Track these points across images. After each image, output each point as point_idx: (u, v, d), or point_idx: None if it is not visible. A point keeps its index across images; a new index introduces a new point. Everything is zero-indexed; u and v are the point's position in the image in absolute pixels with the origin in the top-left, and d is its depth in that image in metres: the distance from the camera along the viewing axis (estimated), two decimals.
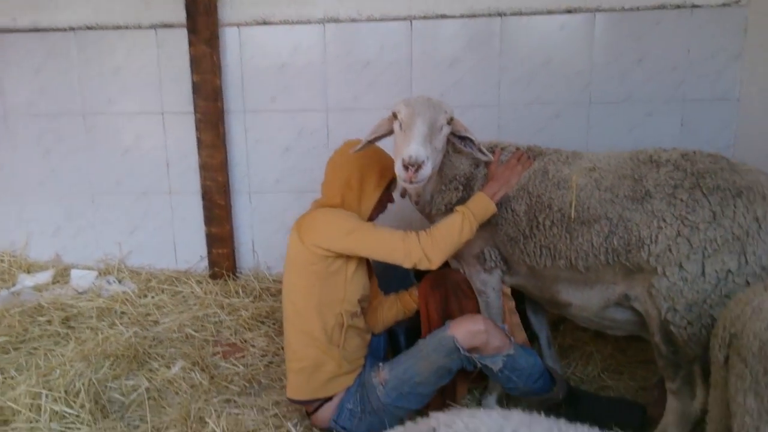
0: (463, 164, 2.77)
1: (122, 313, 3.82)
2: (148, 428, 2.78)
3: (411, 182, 2.39)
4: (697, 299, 2.20)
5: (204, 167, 4.08)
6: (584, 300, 2.57)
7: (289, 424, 2.70)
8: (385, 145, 2.71)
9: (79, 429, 2.74)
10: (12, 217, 4.46)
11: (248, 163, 4.19)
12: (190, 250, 4.36)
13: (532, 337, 3.21)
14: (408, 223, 4.04)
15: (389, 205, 2.89)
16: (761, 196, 2.19)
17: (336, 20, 3.94)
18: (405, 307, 2.95)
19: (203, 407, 2.89)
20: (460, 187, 2.75)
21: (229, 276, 4.18)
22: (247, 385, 3.14)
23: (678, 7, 3.69)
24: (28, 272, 4.33)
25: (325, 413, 2.69)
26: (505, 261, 2.75)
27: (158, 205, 4.33)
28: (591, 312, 2.59)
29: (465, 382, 2.79)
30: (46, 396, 2.86)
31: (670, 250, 2.24)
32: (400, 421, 2.18)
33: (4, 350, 3.39)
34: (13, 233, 4.49)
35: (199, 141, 4.04)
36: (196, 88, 3.97)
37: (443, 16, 3.86)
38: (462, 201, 2.69)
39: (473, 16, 3.84)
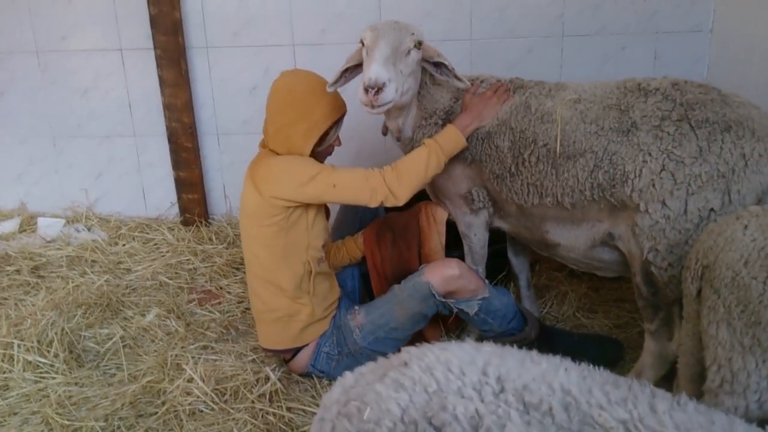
0: (443, 97, 2.69)
1: (93, 261, 3.75)
2: (125, 376, 2.79)
3: (372, 106, 2.32)
4: (679, 240, 2.19)
5: (168, 107, 3.93)
6: (571, 240, 2.55)
7: (268, 369, 2.72)
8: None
9: (54, 378, 2.74)
10: None
11: (214, 103, 4.04)
12: (160, 196, 4.25)
13: (510, 279, 3.25)
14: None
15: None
16: (750, 131, 2.14)
17: None
18: (350, 254, 2.93)
19: (180, 354, 2.89)
20: (440, 122, 2.68)
21: (201, 222, 4.11)
22: (224, 331, 3.14)
23: None
24: None
25: (302, 359, 2.71)
26: (493, 202, 2.72)
27: (123, 149, 4.19)
28: (579, 252, 2.58)
29: (438, 328, 2.82)
30: (18, 346, 2.84)
31: (653, 186, 2.20)
32: None
33: None
34: None
35: (161, 79, 3.87)
36: (154, 22, 3.76)
37: None
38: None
39: None
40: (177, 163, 4.05)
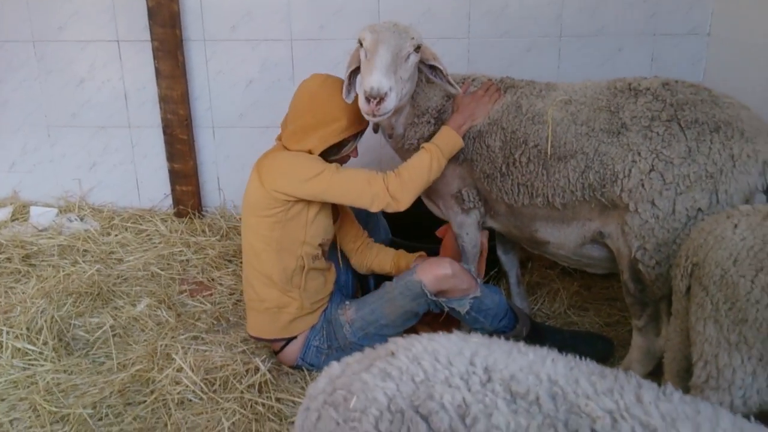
0: (435, 96, 2.68)
1: (85, 251, 3.74)
2: (114, 364, 2.78)
3: (374, 115, 2.32)
4: (667, 239, 2.21)
5: (164, 99, 3.92)
6: (561, 238, 2.56)
7: (258, 360, 2.71)
8: None
9: (42, 365, 2.74)
10: None
11: (210, 96, 4.03)
12: (154, 187, 4.24)
13: (501, 276, 3.25)
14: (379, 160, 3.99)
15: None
16: (739, 132, 2.15)
17: None
18: (397, 272, 2.85)
19: (170, 344, 2.88)
20: (432, 121, 2.68)
21: (194, 214, 4.10)
22: (215, 322, 3.14)
23: None
24: None
25: (292, 352, 2.70)
26: (484, 201, 2.72)
27: (118, 139, 4.18)
28: (568, 250, 2.59)
29: (427, 326, 2.81)
30: (7, 333, 2.83)
31: (642, 186, 2.21)
32: None
33: None
34: None
35: (158, 71, 3.86)
36: (152, 14, 3.76)
37: None
38: (434, 135, 2.63)
39: None
40: (171, 155, 4.04)
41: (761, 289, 1.58)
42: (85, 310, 3.14)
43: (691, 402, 1.03)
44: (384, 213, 3.07)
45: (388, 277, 2.74)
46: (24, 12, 3.94)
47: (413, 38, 2.41)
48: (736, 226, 1.72)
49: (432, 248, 3.03)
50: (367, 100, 2.27)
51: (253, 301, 2.69)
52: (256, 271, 2.63)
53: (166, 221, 4.07)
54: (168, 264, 3.64)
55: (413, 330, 2.74)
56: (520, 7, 3.73)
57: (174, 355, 2.75)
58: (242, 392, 2.56)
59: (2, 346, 2.79)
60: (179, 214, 4.13)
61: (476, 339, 1.23)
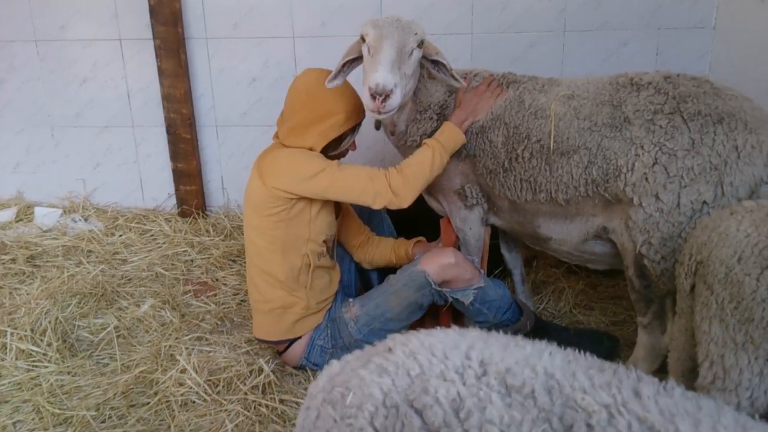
0: (438, 91, 2.66)
1: (89, 251, 3.74)
2: (118, 366, 2.78)
3: (379, 112, 2.30)
4: (672, 233, 2.18)
5: (167, 98, 3.92)
6: (564, 234, 2.54)
7: (261, 361, 2.70)
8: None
9: (46, 367, 2.73)
10: None
11: (213, 94, 4.03)
12: (157, 187, 4.24)
13: (506, 274, 3.23)
14: (382, 156, 3.97)
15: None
16: (743, 123, 2.13)
17: None
18: (398, 260, 2.89)
19: (174, 345, 2.88)
20: (435, 117, 2.66)
21: (198, 214, 4.09)
22: (219, 323, 3.13)
23: None
24: None
25: (296, 352, 2.69)
26: (486, 198, 2.70)
27: (121, 139, 4.18)
28: (571, 246, 2.57)
29: (433, 322, 2.80)
30: (11, 334, 2.83)
31: (646, 179, 2.20)
32: None
33: None
34: None
35: (160, 70, 3.86)
36: (154, 12, 3.75)
37: None
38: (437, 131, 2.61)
39: None
40: (175, 155, 4.03)
41: (767, 287, 1.55)
42: (90, 311, 3.13)
43: (693, 398, 1.01)
44: (387, 210, 3.06)
45: (392, 272, 2.72)
46: (26, 12, 3.95)
47: (416, 33, 2.39)
48: (740, 222, 1.69)
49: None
50: (373, 97, 2.25)
51: (258, 302, 2.67)
52: (261, 271, 2.62)
53: (170, 221, 4.07)
54: (172, 264, 3.63)
55: (421, 325, 2.72)
56: (524, 1, 3.71)
57: (178, 356, 2.74)
58: (246, 393, 2.55)
59: (6, 348, 2.79)
60: (183, 214, 4.13)
61: (474, 333, 1.23)
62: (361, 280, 3.11)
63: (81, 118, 4.15)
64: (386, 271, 2.86)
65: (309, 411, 1.28)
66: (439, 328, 1.29)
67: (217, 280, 3.50)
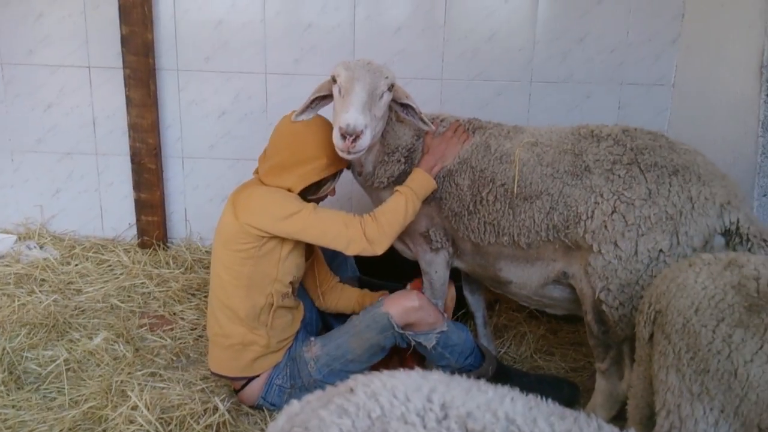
0: (405, 134, 2.70)
1: (42, 280, 3.62)
2: (66, 400, 2.66)
3: (349, 152, 2.31)
4: (630, 280, 2.24)
5: (133, 128, 3.88)
6: (524, 277, 2.58)
7: (217, 400, 2.62)
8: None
9: None
10: None
11: (181, 126, 4.00)
12: (118, 216, 4.16)
13: (468, 317, 3.23)
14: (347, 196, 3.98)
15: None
16: (696, 176, 2.22)
17: None
18: (362, 309, 2.86)
19: (126, 380, 2.78)
20: (402, 159, 2.69)
21: (159, 245, 4.02)
22: (174, 358, 3.04)
23: None
24: None
25: (253, 391, 2.62)
26: (451, 241, 2.72)
27: (84, 166, 4.10)
28: (530, 290, 2.61)
29: (397, 365, 2.77)
30: None
31: (605, 227, 2.26)
32: None
33: None
34: None
35: (128, 99, 3.83)
36: (125, 41, 3.74)
37: None
38: (404, 173, 2.64)
39: None
40: (138, 184, 3.97)
41: (722, 339, 1.58)
42: (39, 342, 3.02)
43: None
44: None
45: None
46: None
47: (387, 77, 2.44)
48: (697, 274, 1.73)
49: (398, 286, 3.01)
50: (343, 137, 2.27)
51: (218, 336, 2.61)
52: (223, 305, 2.57)
53: (129, 252, 3.97)
54: (128, 296, 3.54)
55: (386, 367, 2.69)
56: (492, 51, 3.81)
57: (129, 392, 2.65)
58: None
59: None
60: (143, 245, 4.04)
61: (436, 376, 1.22)
62: (323, 318, 3.07)
63: (43, 144, 4.07)
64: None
65: None
66: (401, 369, 1.27)
67: (174, 314, 3.42)
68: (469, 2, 3.76)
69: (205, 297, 3.57)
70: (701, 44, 3.50)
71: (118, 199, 4.13)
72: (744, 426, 1.57)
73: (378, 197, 2.76)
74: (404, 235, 2.81)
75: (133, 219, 4.09)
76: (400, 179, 2.63)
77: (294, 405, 1.33)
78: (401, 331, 2.49)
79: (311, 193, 2.61)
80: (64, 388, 2.72)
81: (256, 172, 2.68)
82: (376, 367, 2.61)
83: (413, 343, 2.54)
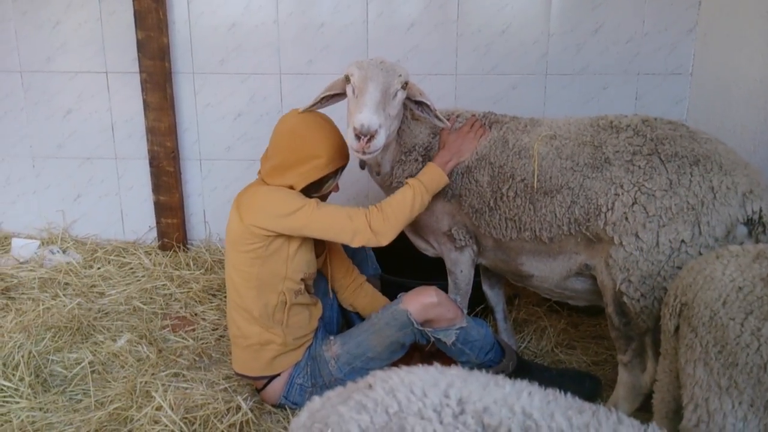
0: (422, 133, 2.70)
1: (66, 284, 3.68)
2: (92, 402, 2.70)
3: (364, 153, 2.31)
4: (652, 271, 2.21)
5: (151, 131, 3.92)
6: (547, 271, 2.56)
7: (239, 399, 2.64)
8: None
9: (18, 403, 2.65)
10: None
11: (198, 128, 4.04)
12: (138, 219, 4.21)
13: (488, 312, 3.22)
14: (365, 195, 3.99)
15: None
16: (718, 165, 2.19)
17: None
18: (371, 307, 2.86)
19: (150, 381, 2.81)
20: (420, 158, 2.69)
21: (179, 247, 4.06)
22: (197, 359, 3.07)
23: None
24: None
25: (275, 390, 2.64)
26: (474, 239, 2.71)
27: (103, 171, 4.16)
28: (552, 282, 2.59)
29: (416, 360, 2.77)
30: None
31: (626, 219, 2.23)
32: None
33: None
34: None
35: (146, 103, 3.87)
36: (141, 46, 3.78)
37: None
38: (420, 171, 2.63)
39: None
40: (157, 187, 4.02)
41: (751, 332, 1.55)
42: (64, 345, 3.06)
43: None
44: (373, 249, 3.06)
45: None
46: (12, 42, 3.96)
47: (401, 75, 2.43)
48: (725, 266, 1.70)
49: (421, 285, 3.00)
50: (357, 137, 2.27)
51: (237, 337, 2.64)
52: (238, 306, 2.59)
53: (150, 254, 4.02)
54: (150, 298, 3.58)
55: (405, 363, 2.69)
56: (507, 45, 3.79)
57: (154, 393, 2.67)
58: None
59: None
60: (164, 247, 4.09)
61: (454, 371, 1.22)
62: (344, 316, 3.08)
63: (63, 150, 4.13)
64: None
65: None
66: (419, 365, 1.28)
67: (196, 314, 3.45)
68: None
69: (225, 297, 3.59)
70: (719, 32, 3.44)
71: (138, 202, 4.18)
72: None
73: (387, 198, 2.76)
74: (428, 234, 2.82)
75: (153, 222, 4.13)
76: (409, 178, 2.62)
77: (315, 401, 1.35)
78: (420, 328, 2.49)
79: (314, 191, 2.61)
80: (89, 390, 2.76)
81: (260, 172, 2.69)
82: (396, 364, 2.62)
83: (433, 339, 2.53)
